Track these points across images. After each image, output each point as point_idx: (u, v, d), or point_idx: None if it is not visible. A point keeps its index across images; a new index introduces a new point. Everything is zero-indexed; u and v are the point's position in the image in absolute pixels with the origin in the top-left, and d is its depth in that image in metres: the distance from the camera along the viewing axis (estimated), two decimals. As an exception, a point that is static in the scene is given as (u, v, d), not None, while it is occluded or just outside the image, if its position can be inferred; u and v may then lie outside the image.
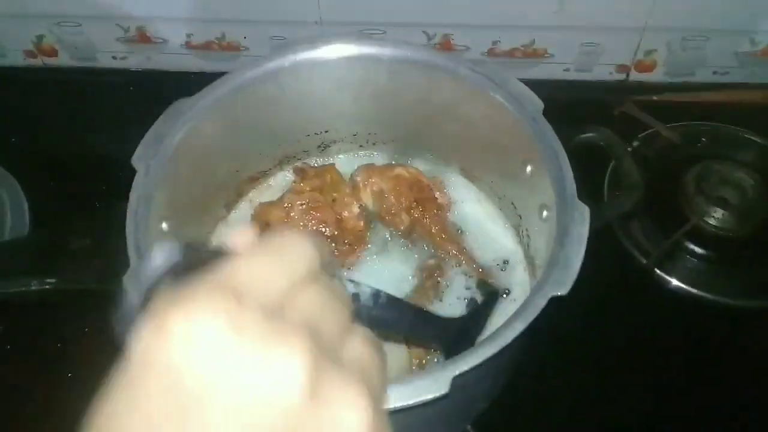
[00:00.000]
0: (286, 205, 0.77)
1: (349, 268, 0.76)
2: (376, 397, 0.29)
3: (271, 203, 0.79)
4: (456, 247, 0.77)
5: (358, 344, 0.31)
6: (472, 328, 0.65)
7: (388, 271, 0.77)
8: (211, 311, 0.26)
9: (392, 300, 0.44)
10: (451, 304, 0.74)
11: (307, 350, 0.26)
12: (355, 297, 0.39)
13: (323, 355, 0.27)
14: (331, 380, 0.27)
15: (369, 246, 0.78)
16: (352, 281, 0.39)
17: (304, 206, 0.76)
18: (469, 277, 0.76)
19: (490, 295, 0.72)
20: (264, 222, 0.76)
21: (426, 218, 0.78)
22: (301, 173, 0.80)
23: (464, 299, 0.75)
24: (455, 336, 0.61)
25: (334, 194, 0.78)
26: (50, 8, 1.02)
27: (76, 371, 0.76)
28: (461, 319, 0.66)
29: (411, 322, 0.52)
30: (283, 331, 0.27)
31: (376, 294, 0.41)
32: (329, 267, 0.33)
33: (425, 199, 0.79)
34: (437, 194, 0.81)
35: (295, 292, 0.29)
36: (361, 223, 0.78)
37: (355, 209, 0.78)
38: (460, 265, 0.76)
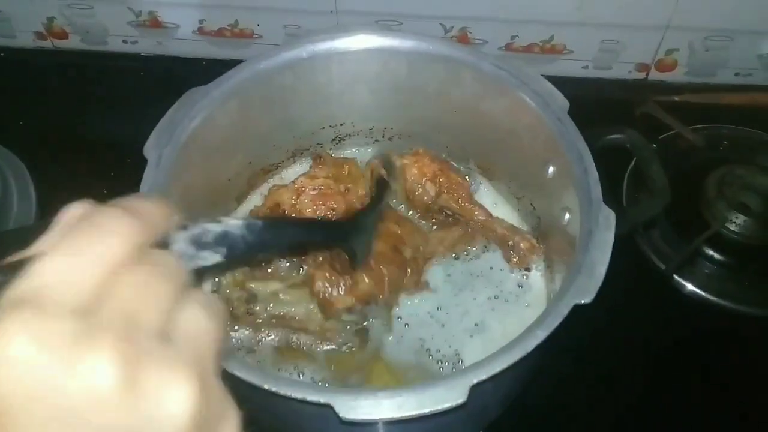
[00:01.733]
0: (297, 187, 0.75)
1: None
2: (206, 368, 0.29)
3: (283, 186, 0.77)
4: (483, 212, 0.76)
5: (190, 314, 0.30)
6: (367, 219, 0.67)
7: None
8: (10, 332, 0.25)
9: (271, 223, 0.43)
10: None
11: (115, 346, 0.26)
12: (224, 235, 0.38)
13: (144, 342, 0.27)
14: (152, 369, 0.27)
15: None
16: (218, 221, 0.38)
17: (315, 191, 0.75)
18: (493, 251, 0.76)
19: (379, 186, 0.74)
20: (275, 203, 0.75)
21: (452, 186, 0.78)
22: (318, 159, 0.78)
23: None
24: (353, 231, 0.64)
25: (349, 185, 0.76)
26: (61, -11, 1.00)
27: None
28: (355, 215, 0.68)
29: (299, 235, 0.54)
30: (90, 331, 0.26)
31: (251, 224, 0.40)
32: (160, 230, 0.33)
33: (448, 169, 0.79)
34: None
35: (110, 280, 0.28)
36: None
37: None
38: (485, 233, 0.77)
